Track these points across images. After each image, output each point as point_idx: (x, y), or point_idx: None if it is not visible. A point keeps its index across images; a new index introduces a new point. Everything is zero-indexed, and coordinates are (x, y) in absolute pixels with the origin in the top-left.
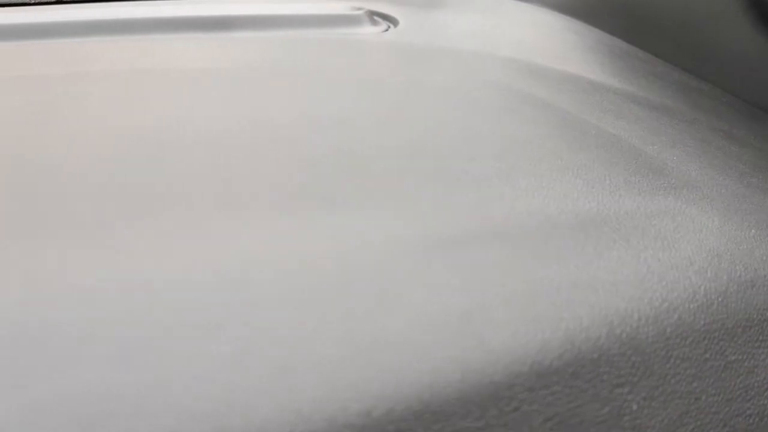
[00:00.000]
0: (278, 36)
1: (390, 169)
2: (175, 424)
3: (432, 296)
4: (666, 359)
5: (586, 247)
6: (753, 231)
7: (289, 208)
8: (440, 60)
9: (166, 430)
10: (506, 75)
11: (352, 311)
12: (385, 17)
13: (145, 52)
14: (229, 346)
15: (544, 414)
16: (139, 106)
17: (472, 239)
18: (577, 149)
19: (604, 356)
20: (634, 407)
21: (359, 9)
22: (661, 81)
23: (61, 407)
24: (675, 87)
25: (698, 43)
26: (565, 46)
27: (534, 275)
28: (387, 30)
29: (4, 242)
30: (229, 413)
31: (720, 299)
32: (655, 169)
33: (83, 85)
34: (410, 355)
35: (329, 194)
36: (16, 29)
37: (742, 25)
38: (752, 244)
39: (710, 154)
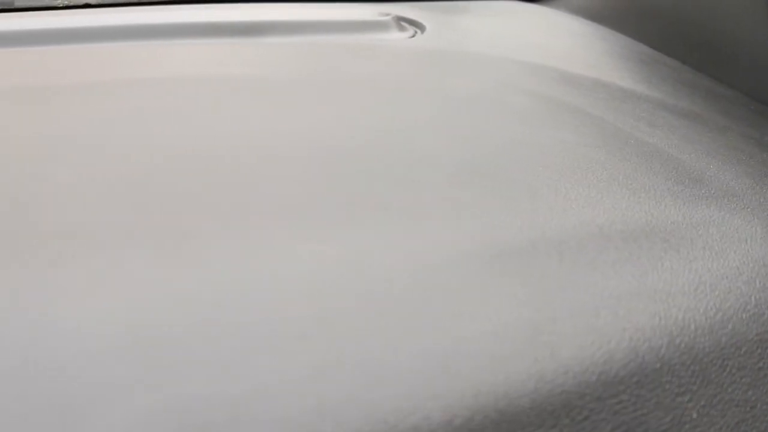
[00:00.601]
0: (309, 41)
1: (442, 179)
2: None
3: (501, 308)
4: (722, 368)
5: (640, 258)
6: None
7: (356, 220)
8: (472, 66)
9: None
10: (539, 82)
11: (429, 323)
12: (411, 23)
13: (179, 58)
14: (319, 357)
15: (612, 423)
16: (183, 115)
17: (532, 250)
18: (619, 159)
19: (666, 366)
20: (695, 415)
21: (387, 15)
22: (689, 88)
23: (166, 416)
24: (703, 94)
25: (725, 50)
26: (593, 53)
27: (595, 286)
28: (414, 36)
29: (106, 251)
30: (321, 423)
31: None
32: (694, 178)
33: (126, 92)
34: (486, 365)
35: (391, 205)
36: (43, 34)
37: None
38: None
39: (744, 163)
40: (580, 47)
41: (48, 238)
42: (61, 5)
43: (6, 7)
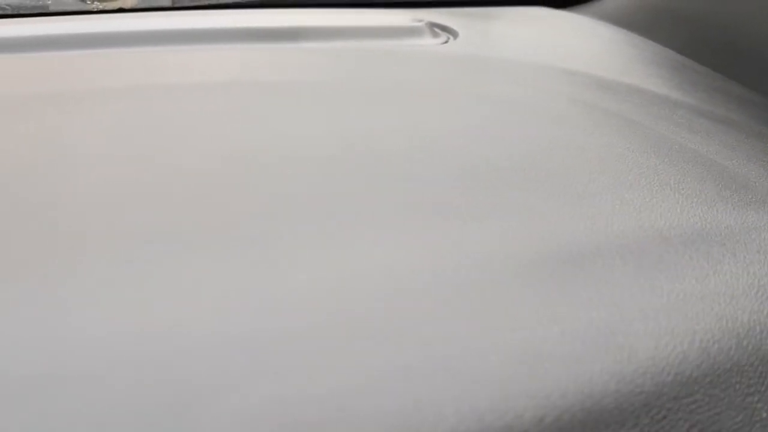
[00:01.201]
0: (344, 47)
1: (501, 183)
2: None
3: (576, 310)
4: None
5: (699, 261)
6: None
7: (424, 223)
8: (508, 72)
9: None
10: (577, 88)
11: (512, 323)
12: (444, 29)
13: (215, 64)
14: (412, 356)
15: (689, 422)
16: (222, 120)
17: (597, 254)
18: (667, 164)
19: (735, 366)
20: (764, 415)
21: (420, 21)
22: (722, 95)
23: (268, 413)
24: (736, 101)
25: (755, 57)
26: (625, 59)
27: (660, 288)
28: (447, 42)
29: (196, 256)
30: (421, 421)
31: None
32: (740, 183)
33: (165, 97)
34: (571, 366)
35: (456, 208)
36: (78, 39)
37: None
38: None
39: None
40: (612, 54)
41: (144, 240)
42: (95, 9)
43: (41, 11)
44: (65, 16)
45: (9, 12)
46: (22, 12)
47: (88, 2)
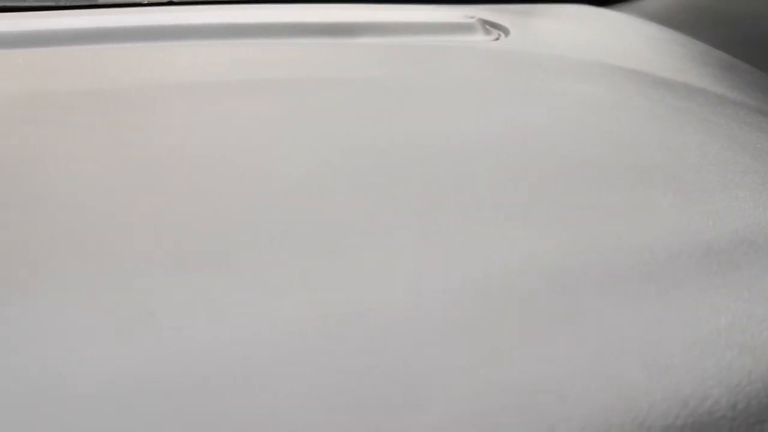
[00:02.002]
0: (399, 43)
1: (611, 180)
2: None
3: (729, 304)
4: None
5: None
6: None
7: (529, 221)
8: (567, 69)
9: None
10: (639, 86)
11: (649, 327)
12: (495, 26)
13: (269, 59)
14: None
15: None
16: (306, 119)
17: (732, 250)
18: (761, 162)
19: None
20: None
21: (471, 17)
22: None
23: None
24: None
25: None
26: (676, 58)
27: None
28: (498, 39)
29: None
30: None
31: None
32: None
33: (222, 93)
34: (707, 370)
35: (574, 205)
36: (133, 32)
37: None
38: None
39: None
40: (663, 52)
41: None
42: (145, 2)
43: (91, 3)
44: (115, 9)
45: (62, 4)
46: (73, 4)
47: None
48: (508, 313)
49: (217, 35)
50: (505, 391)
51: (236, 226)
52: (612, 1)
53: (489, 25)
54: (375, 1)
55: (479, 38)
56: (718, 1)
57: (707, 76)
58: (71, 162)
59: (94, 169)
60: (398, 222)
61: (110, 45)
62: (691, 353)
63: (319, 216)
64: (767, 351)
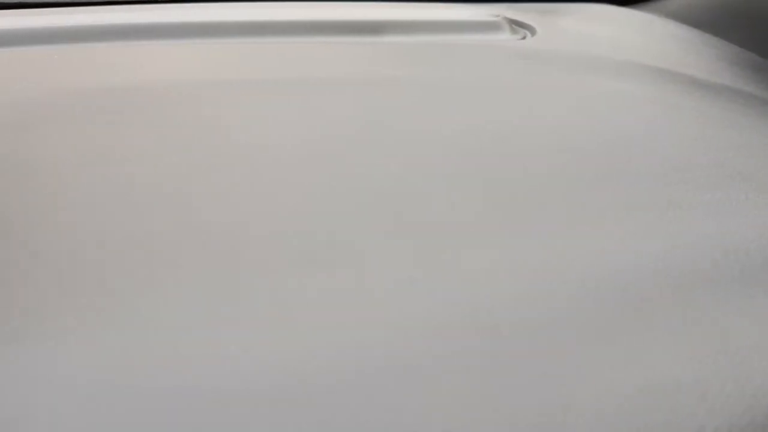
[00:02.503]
0: (428, 41)
1: (695, 179)
2: None
3: None
4: None
5: None
6: None
7: (589, 221)
8: (600, 69)
9: None
10: (674, 86)
11: (761, 327)
12: (521, 24)
13: (301, 57)
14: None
15: None
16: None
17: None
18: None
19: None
20: None
21: (497, 16)
22: None
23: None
24: None
25: None
26: (708, 60)
27: None
28: (525, 38)
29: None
30: None
31: None
32: None
33: (247, 92)
34: None
35: (639, 204)
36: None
37: None
38: None
39: None
40: (692, 52)
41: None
42: None
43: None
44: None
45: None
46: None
47: None
48: (634, 314)
49: (249, 33)
50: (652, 391)
51: (335, 222)
52: (634, 0)
53: (515, 24)
54: (400, 0)
55: (506, 37)
56: (740, 1)
57: (740, 77)
58: (161, 159)
59: (184, 166)
60: (495, 220)
61: (156, 42)
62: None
63: (411, 215)
64: None
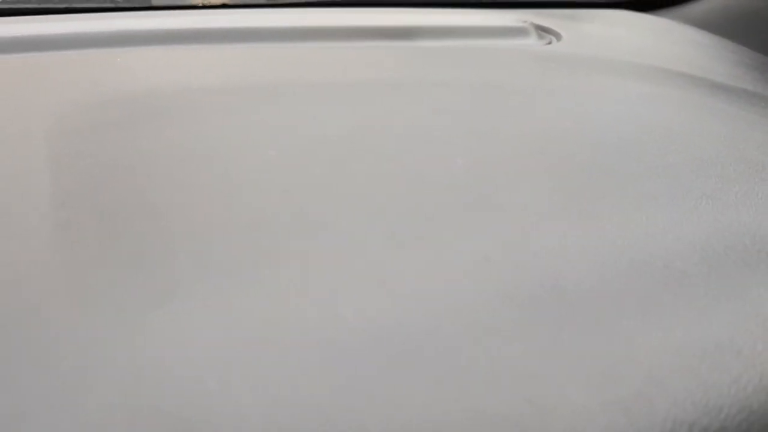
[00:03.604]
0: (458, 46)
1: (710, 174)
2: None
3: None
4: None
5: None
6: None
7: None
8: (626, 74)
9: None
10: (697, 91)
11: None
12: (546, 30)
13: (345, 61)
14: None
15: None
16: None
17: None
18: None
19: None
20: None
21: (524, 21)
22: None
23: None
24: None
25: None
26: (728, 65)
27: None
28: (551, 43)
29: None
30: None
31: None
32: None
33: (289, 95)
34: None
35: (681, 193)
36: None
37: None
38: None
39: None
40: (712, 59)
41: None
42: (199, 5)
43: (143, 5)
44: (166, 11)
45: (115, 5)
46: (126, 5)
47: None
48: (678, 288)
49: (285, 38)
50: (694, 350)
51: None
52: (653, 6)
53: (541, 30)
54: (430, 6)
55: (533, 42)
56: (757, 7)
57: (760, 82)
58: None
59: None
60: (551, 207)
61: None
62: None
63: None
64: None
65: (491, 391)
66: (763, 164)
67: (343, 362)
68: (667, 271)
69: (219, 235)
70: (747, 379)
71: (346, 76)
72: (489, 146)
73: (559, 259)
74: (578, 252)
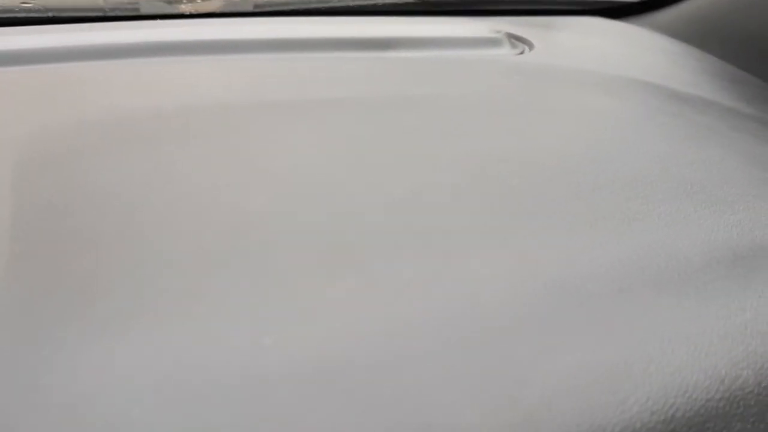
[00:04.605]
0: (432, 57)
1: (650, 193)
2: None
3: (732, 300)
4: None
5: None
6: None
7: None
8: (595, 84)
9: None
10: (658, 100)
11: (689, 320)
12: (520, 39)
13: (311, 74)
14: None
15: None
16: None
17: (752, 255)
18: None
19: None
20: None
21: (498, 32)
22: None
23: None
24: None
25: None
26: (690, 72)
27: None
28: (523, 53)
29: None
30: None
31: None
32: None
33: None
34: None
35: (612, 216)
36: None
37: None
38: None
39: None
40: (676, 66)
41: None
42: (187, 13)
43: (132, 14)
44: (155, 21)
45: (102, 15)
46: (114, 15)
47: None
48: (583, 310)
49: (262, 49)
50: (589, 370)
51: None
52: (625, 13)
53: (514, 39)
54: (408, 13)
55: (506, 52)
56: (724, 15)
57: (719, 90)
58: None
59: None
60: (475, 229)
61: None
62: (726, 341)
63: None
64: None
65: (390, 417)
66: (692, 182)
67: (268, 393)
68: (577, 294)
69: (155, 269)
70: (634, 400)
71: (309, 93)
72: (428, 169)
73: (478, 284)
74: (496, 277)
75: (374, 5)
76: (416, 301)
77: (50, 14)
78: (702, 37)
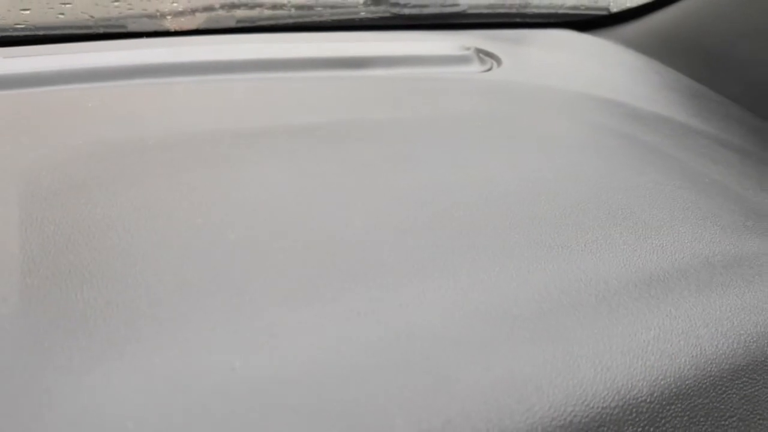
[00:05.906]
0: (401, 75)
1: (584, 220)
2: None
3: (659, 317)
4: None
5: (737, 281)
6: None
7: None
8: (552, 103)
9: None
10: (613, 119)
11: (597, 338)
12: (489, 54)
13: (288, 95)
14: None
15: None
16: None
17: (671, 278)
18: (705, 198)
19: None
20: None
21: (468, 48)
22: (737, 124)
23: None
24: (751, 130)
25: (764, 83)
26: (649, 87)
27: (714, 304)
28: (491, 69)
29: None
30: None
31: None
32: (759, 213)
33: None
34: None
35: (551, 243)
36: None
37: None
38: None
39: None
40: (637, 81)
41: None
42: (172, 30)
43: (120, 31)
44: (140, 40)
45: (90, 33)
46: (99, 32)
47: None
48: (507, 331)
49: (240, 70)
50: (500, 383)
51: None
52: (594, 26)
53: (483, 54)
54: (381, 29)
55: (474, 69)
56: (691, 29)
57: (676, 105)
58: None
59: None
60: (416, 256)
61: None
62: (627, 357)
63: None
64: (681, 356)
65: (333, 426)
66: (623, 208)
67: (235, 408)
68: (503, 317)
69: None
70: (538, 408)
71: (283, 119)
72: (379, 201)
73: (415, 310)
74: (432, 304)
75: (351, 20)
76: (361, 327)
77: (41, 33)
78: (669, 50)
